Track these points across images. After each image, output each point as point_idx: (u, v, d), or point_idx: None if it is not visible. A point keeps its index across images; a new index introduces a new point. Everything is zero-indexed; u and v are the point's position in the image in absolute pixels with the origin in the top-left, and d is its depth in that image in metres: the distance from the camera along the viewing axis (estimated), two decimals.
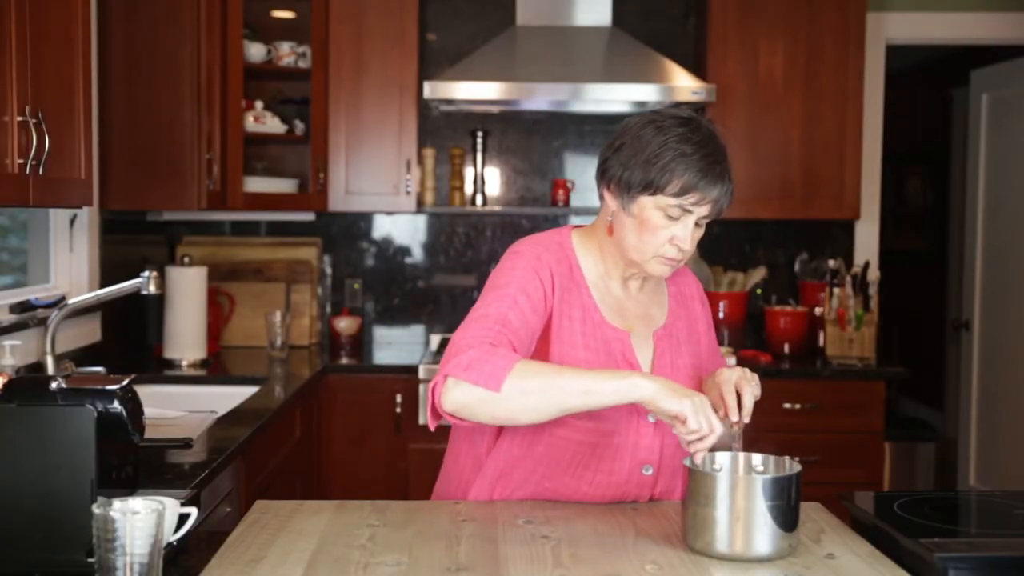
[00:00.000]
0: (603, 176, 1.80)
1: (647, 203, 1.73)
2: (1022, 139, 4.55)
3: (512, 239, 1.96)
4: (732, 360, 3.89)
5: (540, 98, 3.85)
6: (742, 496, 1.50)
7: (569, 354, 1.78)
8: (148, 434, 1.73)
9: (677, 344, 1.89)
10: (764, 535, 1.50)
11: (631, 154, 1.74)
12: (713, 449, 1.63)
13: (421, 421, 3.76)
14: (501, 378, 1.60)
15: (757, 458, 1.66)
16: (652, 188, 1.71)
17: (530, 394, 1.61)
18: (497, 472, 1.84)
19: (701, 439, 1.59)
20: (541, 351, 1.79)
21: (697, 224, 1.75)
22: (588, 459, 1.79)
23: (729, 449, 1.69)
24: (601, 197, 1.83)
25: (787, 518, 1.52)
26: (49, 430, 1.46)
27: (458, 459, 1.92)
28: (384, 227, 4.42)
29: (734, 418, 1.71)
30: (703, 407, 1.59)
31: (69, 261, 3.38)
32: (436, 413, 1.68)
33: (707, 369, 1.94)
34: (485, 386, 1.61)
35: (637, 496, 1.83)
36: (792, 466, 1.61)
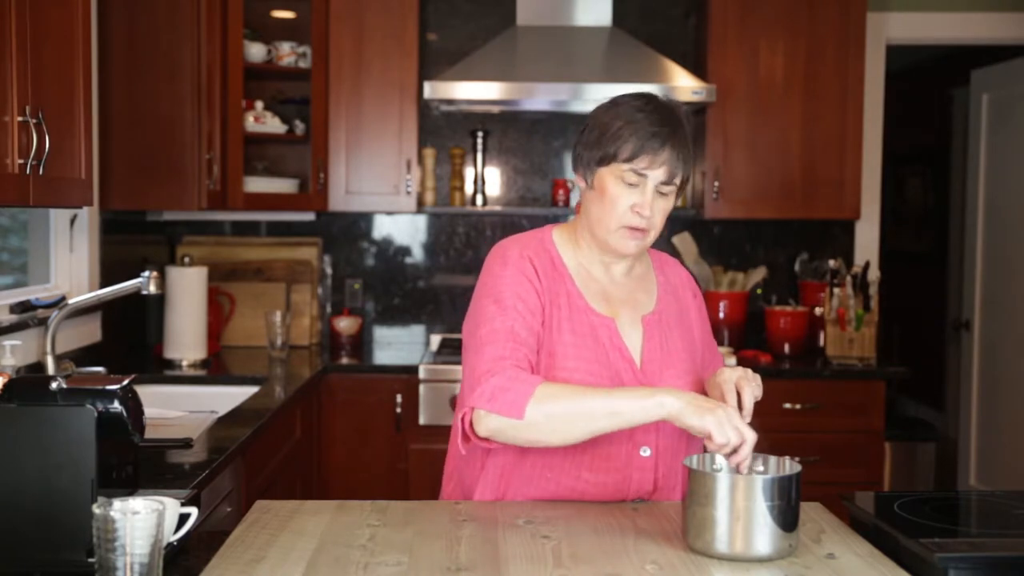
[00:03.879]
0: (574, 163, 1.89)
1: (604, 174, 1.80)
2: (1022, 139, 4.55)
3: None
4: (732, 360, 3.89)
5: (540, 98, 3.85)
6: (742, 496, 1.50)
7: (557, 339, 1.80)
8: (148, 434, 1.73)
9: (668, 328, 1.91)
10: (764, 535, 1.50)
11: (589, 132, 1.83)
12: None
13: (421, 421, 3.76)
14: (523, 405, 1.65)
15: (757, 458, 1.66)
16: (607, 158, 1.79)
17: (555, 419, 1.66)
18: (499, 470, 1.85)
19: (736, 451, 1.59)
20: None
21: (661, 193, 1.80)
22: (584, 444, 1.79)
23: None
24: (576, 184, 1.90)
25: (787, 518, 1.52)
26: (49, 430, 1.46)
27: (464, 459, 1.92)
28: (384, 227, 4.42)
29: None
30: (728, 419, 1.59)
31: (69, 261, 3.38)
32: (467, 437, 1.73)
33: (703, 357, 1.97)
34: (509, 415, 1.66)
35: (640, 480, 1.82)
36: (792, 466, 1.61)
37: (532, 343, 1.77)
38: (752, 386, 1.75)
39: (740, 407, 1.73)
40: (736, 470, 1.61)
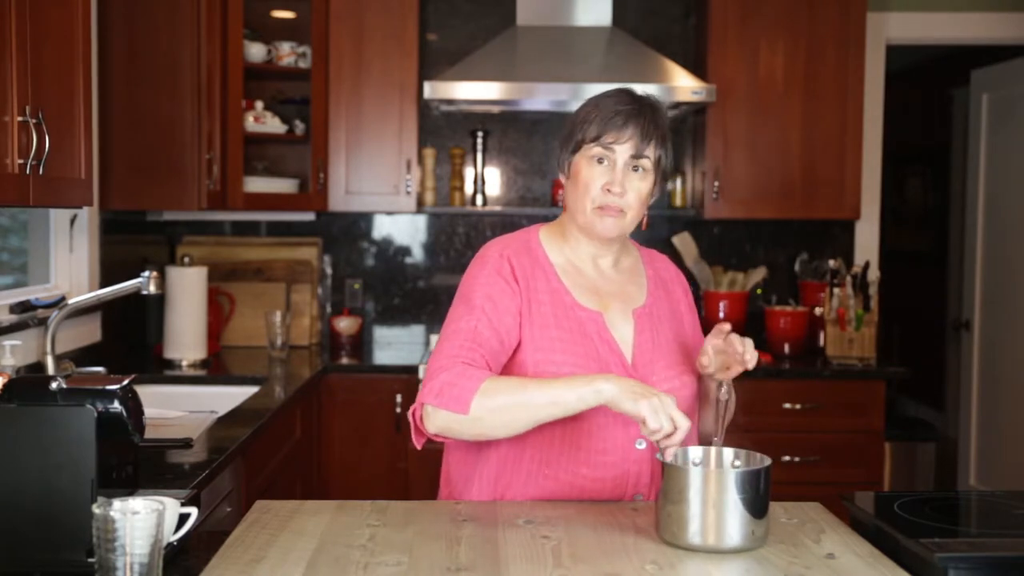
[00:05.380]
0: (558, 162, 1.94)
1: (577, 160, 1.86)
2: (1022, 139, 4.55)
3: None
4: None
5: (540, 98, 3.85)
6: (714, 489, 1.53)
7: (542, 335, 1.82)
8: (148, 434, 1.73)
9: (659, 321, 1.93)
10: (735, 527, 1.53)
11: (566, 129, 1.89)
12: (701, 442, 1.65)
13: None
14: (468, 401, 1.67)
15: (728, 452, 1.69)
16: (578, 144, 1.85)
17: (498, 411, 1.68)
18: (495, 470, 1.85)
19: (669, 436, 1.61)
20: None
21: (634, 169, 1.83)
22: (579, 439, 1.80)
23: (710, 443, 1.72)
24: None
25: (756, 510, 1.55)
26: (49, 430, 1.46)
27: (456, 459, 1.93)
28: (384, 227, 4.42)
29: (739, 348, 1.74)
30: (663, 407, 1.61)
31: (69, 261, 3.38)
32: (420, 433, 1.77)
33: (695, 348, 1.98)
34: (454, 410, 1.68)
35: (638, 473, 1.83)
36: (763, 460, 1.64)
37: (495, 345, 1.78)
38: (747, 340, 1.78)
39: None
40: (663, 456, 1.62)
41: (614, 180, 1.82)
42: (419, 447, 1.80)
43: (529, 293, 1.84)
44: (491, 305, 1.80)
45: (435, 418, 1.71)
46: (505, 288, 1.82)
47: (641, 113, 1.82)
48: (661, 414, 1.60)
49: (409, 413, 1.77)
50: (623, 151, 1.81)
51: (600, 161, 1.82)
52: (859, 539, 1.64)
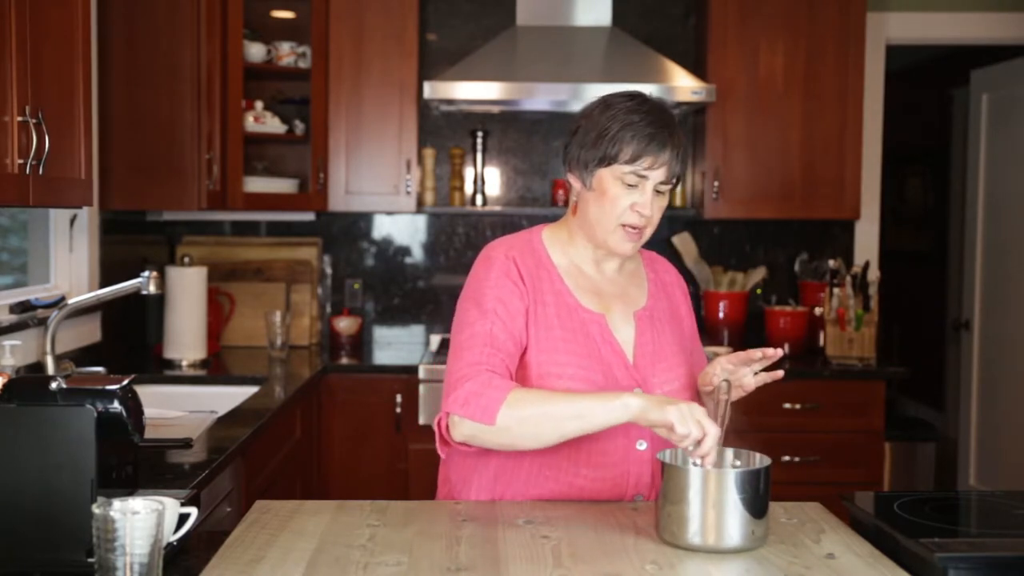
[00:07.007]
0: (566, 161, 1.89)
1: (605, 175, 1.81)
2: (1022, 139, 4.55)
3: None
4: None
5: (540, 98, 3.85)
6: (714, 489, 1.54)
7: (546, 336, 1.82)
8: (148, 434, 1.73)
9: (660, 324, 1.93)
10: (735, 527, 1.54)
11: (585, 134, 1.83)
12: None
13: (421, 421, 3.76)
14: (495, 411, 1.68)
15: (728, 452, 1.69)
16: (607, 160, 1.80)
17: (525, 423, 1.68)
18: (493, 472, 1.85)
19: (699, 444, 1.60)
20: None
21: (658, 191, 1.82)
22: (580, 439, 1.79)
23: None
24: (569, 184, 1.91)
25: (756, 510, 1.55)
26: (49, 430, 1.46)
27: (455, 459, 1.92)
28: (384, 227, 4.42)
29: (770, 352, 1.77)
30: (691, 413, 1.61)
31: (69, 261, 3.38)
32: (445, 441, 1.77)
33: (693, 352, 2.00)
34: (481, 421, 1.69)
35: (638, 474, 1.83)
36: (763, 460, 1.64)
37: (511, 348, 1.79)
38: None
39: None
40: (701, 464, 1.61)
41: (644, 203, 1.80)
42: (443, 456, 1.82)
43: (534, 294, 1.84)
44: (503, 308, 1.80)
45: (461, 427, 1.71)
46: (513, 290, 1.82)
47: (673, 136, 1.80)
48: (689, 419, 1.60)
49: (434, 423, 1.78)
50: (656, 176, 1.79)
51: (631, 184, 1.80)
52: (859, 539, 1.64)
